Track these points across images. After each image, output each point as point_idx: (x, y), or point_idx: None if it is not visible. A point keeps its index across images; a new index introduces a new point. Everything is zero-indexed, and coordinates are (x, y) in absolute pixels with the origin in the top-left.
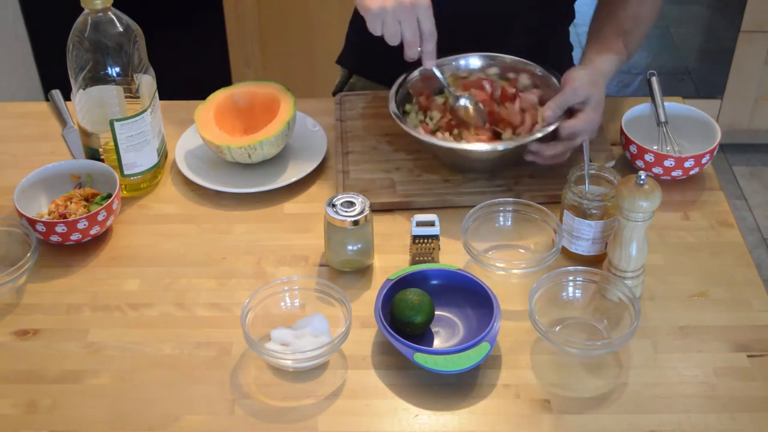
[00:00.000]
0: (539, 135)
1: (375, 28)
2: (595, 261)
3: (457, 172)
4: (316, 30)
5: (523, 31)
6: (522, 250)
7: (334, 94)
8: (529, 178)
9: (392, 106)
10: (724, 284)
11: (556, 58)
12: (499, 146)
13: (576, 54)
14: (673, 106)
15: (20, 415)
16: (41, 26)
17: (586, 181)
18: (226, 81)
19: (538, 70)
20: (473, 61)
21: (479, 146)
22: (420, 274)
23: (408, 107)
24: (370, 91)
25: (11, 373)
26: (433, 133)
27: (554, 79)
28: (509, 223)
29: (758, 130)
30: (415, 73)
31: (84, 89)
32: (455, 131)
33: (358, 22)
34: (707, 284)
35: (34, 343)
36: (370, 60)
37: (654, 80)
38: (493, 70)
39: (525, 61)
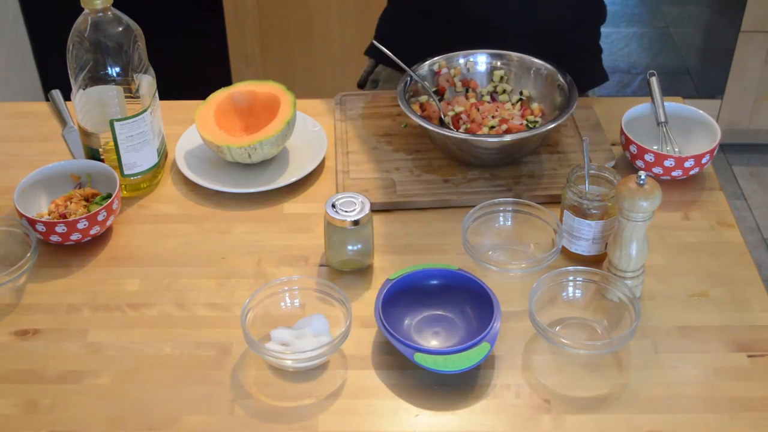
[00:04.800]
0: (541, 130)
1: None
2: (595, 261)
3: (462, 165)
4: (316, 30)
5: (543, 28)
6: (522, 250)
7: (359, 85)
8: (529, 178)
9: (400, 88)
10: (724, 284)
11: (580, 60)
12: (507, 137)
13: (604, 58)
14: (673, 106)
15: (20, 415)
16: (41, 26)
17: (586, 181)
18: (226, 81)
19: (544, 69)
20: (480, 58)
21: (487, 137)
22: (420, 274)
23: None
24: (393, 82)
25: (11, 373)
26: (441, 123)
27: (560, 77)
28: (509, 223)
29: (758, 130)
30: (425, 67)
31: (84, 89)
32: (465, 125)
33: (388, 15)
34: (707, 284)
35: (34, 343)
36: (396, 51)
37: (654, 80)
38: (499, 73)
39: (532, 59)
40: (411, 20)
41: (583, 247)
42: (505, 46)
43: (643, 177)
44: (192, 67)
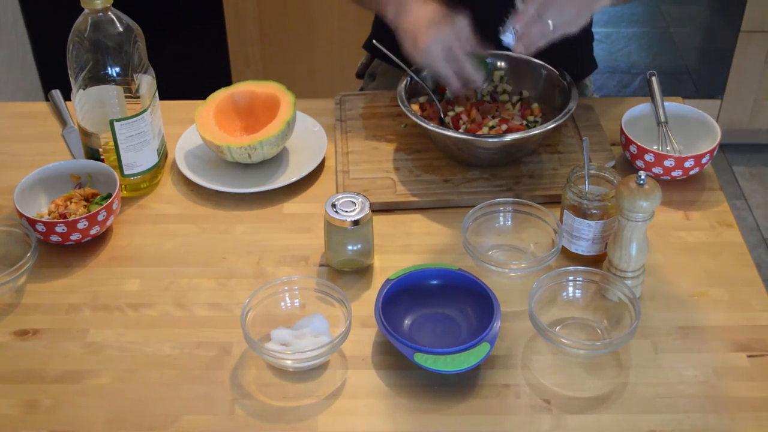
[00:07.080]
0: (541, 130)
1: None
2: (595, 261)
3: (462, 165)
4: (316, 30)
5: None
6: (522, 250)
7: (357, 75)
8: (529, 178)
9: (400, 88)
10: (724, 284)
11: (574, 49)
12: (507, 137)
13: (605, 58)
14: (673, 106)
15: (20, 415)
16: (41, 26)
17: (586, 181)
18: (226, 81)
19: (544, 69)
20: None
21: (487, 137)
22: (420, 274)
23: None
24: (388, 76)
25: (11, 373)
26: (441, 123)
27: (560, 77)
28: (509, 223)
29: (758, 130)
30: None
31: (84, 89)
32: (465, 125)
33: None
34: (707, 284)
35: (34, 343)
36: (390, 48)
37: (654, 80)
38: (499, 73)
39: (532, 59)
40: None
41: (583, 247)
42: (497, 37)
43: (643, 177)
44: (192, 67)
